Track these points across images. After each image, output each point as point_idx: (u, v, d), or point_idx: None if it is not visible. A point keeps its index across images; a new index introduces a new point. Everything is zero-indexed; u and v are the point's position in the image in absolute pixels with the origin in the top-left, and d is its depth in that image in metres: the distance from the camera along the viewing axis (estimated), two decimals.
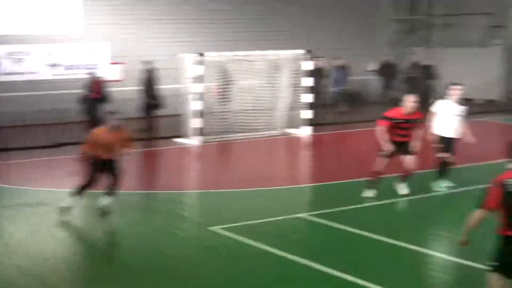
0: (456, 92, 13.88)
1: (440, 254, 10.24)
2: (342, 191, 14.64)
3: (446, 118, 13.80)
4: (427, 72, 29.03)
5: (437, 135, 13.86)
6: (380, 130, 12.99)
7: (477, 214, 6.82)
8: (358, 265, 9.58)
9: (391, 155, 13.04)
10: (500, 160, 7.69)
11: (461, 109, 13.85)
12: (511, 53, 30.63)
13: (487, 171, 13.75)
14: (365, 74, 30.37)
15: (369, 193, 13.46)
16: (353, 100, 28.31)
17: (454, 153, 13.92)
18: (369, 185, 13.46)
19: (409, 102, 13.02)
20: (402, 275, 9.35)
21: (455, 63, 30.37)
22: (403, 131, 13.10)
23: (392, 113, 13.20)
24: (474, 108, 27.98)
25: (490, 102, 29.69)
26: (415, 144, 13.22)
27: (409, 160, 13.25)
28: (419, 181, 14.07)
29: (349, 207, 12.81)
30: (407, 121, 13.06)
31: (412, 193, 13.63)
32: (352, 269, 9.26)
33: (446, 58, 30.88)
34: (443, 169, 13.98)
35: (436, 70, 29.17)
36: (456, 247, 7.93)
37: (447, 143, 13.81)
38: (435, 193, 13.93)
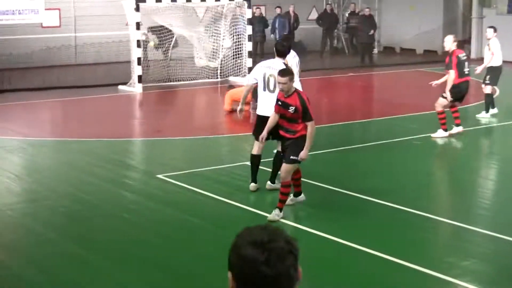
0: None
1: None
2: None
3: None
4: (367, 22, 27.42)
5: None
6: None
7: None
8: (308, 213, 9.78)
9: None
10: None
11: None
12: (449, 4, 29.47)
13: None
14: (307, 23, 29.44)
15: None
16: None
17: None
18: None
19: None
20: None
21: (391, 14, 30.75)
22: None
23: None
24: (411, 58, 28.48)
25: (428, 52, 29.33)
26: None
27: None
28: None
29: None
30: None
31: None
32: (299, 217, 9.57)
33: (384, 8, 30.90)
34: None
35: (374, 20, 28.14)
36: None
37: None
38: None
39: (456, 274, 7.77)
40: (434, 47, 29.75)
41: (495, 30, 16.53)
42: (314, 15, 30.79)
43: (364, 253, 8.17)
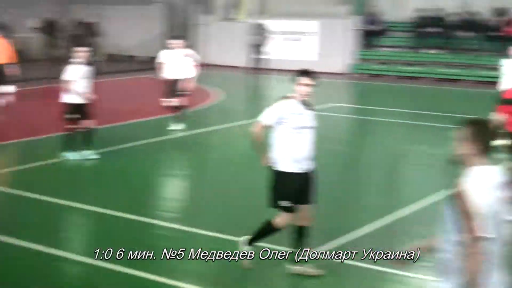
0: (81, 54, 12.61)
1: None
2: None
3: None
4: (90, 30, 28.91)
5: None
6: None
7: None
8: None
9: None
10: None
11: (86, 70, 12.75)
12: (171, 11, 31.24)
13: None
14: (26, 32, 30.13)
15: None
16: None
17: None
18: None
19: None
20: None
21: (117, 21, 31.41)
22: None
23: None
24: (136, 65, 29.43)
25: (153, 59, 29.71)
26: None
27: None
28: None
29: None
30: None
31: None
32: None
33: (108, 15, 31.43)
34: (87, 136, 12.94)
35: (98, 28, 29.39)
36: None
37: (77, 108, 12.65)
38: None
39: (179, 276, 7.72)
40: (154, 53, 29.99)
41: None
42: (32, 23, 29.74)
43: None
